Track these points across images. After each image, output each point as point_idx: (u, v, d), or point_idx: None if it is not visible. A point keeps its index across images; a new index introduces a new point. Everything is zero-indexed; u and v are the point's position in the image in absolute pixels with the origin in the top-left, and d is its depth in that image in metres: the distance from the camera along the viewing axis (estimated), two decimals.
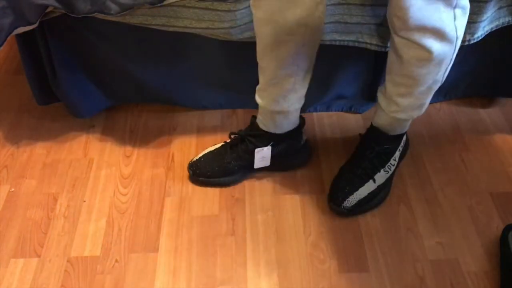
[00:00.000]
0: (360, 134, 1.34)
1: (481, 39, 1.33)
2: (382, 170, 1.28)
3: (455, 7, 1.01)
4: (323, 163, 1.39)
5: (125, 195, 1.33)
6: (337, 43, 1.33)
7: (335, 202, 1.25)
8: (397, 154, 1.31)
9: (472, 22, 1.27)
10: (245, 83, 1.47)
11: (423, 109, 1.22)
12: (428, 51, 1.04)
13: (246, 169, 1.34)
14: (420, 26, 1.01)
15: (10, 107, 1.58)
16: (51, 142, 1.47)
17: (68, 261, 1.19)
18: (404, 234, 1.23)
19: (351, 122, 1.51)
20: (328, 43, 1.31)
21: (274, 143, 1.31)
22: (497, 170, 1.38)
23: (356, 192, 1.25)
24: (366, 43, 1.33)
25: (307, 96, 1.54)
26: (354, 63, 1.44)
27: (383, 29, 1.30)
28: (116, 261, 1.19)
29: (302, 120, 1.35)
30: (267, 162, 1.33)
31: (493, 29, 1.33)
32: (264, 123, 1.30)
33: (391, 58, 1.15)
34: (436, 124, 1.51)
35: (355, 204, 1.25)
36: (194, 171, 1.34)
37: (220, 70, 1.43)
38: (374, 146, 1.28)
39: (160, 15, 1.24)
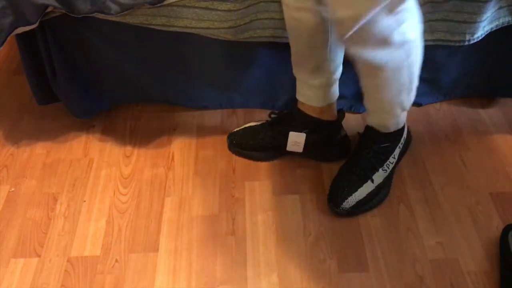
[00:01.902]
0: (358, 133, 1.34)
1: (481, 39, 1.33)
2: (380, 170, 1.27)
3: (399, 12, 0.97)
4: (323, 163, 1.39)
5: (125, 195, 1.33)
6: None
7: (334, 203, 1.25)
8: (397, 151, 1.30)
9: (472, 22, 1.27)
10: (245, 83, 1.47)
11: (407, 105, 1.19)
12: (375, 63, 1.04)
13: (278, 150, 1.37)
14: (361, 40, 1.00)
15: (10, 107, 1.58)
16: (51, 142, 1.47)
17: (68, 261, 1.19)
18: (404, 234, 1.23)
19: (351, 122, 1.51)
20: None
21: (310, 130, 1.32)
22: (497, 170, 1.38)
23: (355, 193, 1.25)
24: None
25: None
26: (354, 63, 1.44)
27: None
28: (116, 261, 1.19)
29: (341, 113, 1.36)
30: (300, 148, 1.35)
31: (493, 29, 1.33)
32: (302, 94, 1.31)
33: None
34: (436, 124, 1.51)
35: (354, 205, 1.25)
36: (231, 141, 1.41)
37: (220, 70, 1.43)
38: (372, 145, 1.27)
39: (160, 15, 1.24)
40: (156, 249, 1.21)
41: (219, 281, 1.15)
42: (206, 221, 1.27)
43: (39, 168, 1.39)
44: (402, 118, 1.26)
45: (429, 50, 1.42)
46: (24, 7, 1.19)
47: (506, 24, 1.32)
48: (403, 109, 1.21)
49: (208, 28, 1.25)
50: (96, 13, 1.22)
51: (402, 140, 1.30)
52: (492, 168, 1.38)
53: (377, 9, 0.93)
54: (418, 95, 1.54)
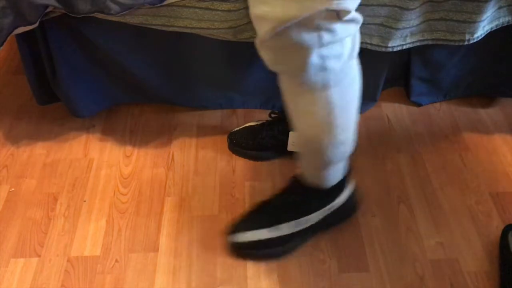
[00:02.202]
0: (293, 176, 1.20)
1: (481, 39, 1.33)
2: (292, 221, 1.16)
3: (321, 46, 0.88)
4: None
5: (125, 195, 1.33)
6: None
7: (232, 229, 1.19)
8: (317, 216, 1.17)
9: (472, 22, 1.27)
10: (245, 83, 1.47)
11: (334, 158, 1.05)
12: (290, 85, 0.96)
13: (278, 150, 1.37)
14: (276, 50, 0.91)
15: (10, 107, 1.58)
16: (51, 142, 1.47)
17: (68, 261, 1.19)
18: (404, 234, 1.23)
19: None
20: None
21: None
22: (497, 170, 1.38)
23: (248, 232, 1.17)
24: (366, 43, 1.33)
25: None
26: None
27: (383, 29, 1.30)
28: (116, 261, 1.19)
29: None
30: (297, 148, 1.34)
31: (493, 29, 1.33)
32: None
33: None
34: (436, 124, 1.51)
35: (240, 243, 1.17)
36: (231, 140, 1.41)
37: (220, 70, 1.43)
38: (291, 194, 1.17)
39: (160, 15, 1.24)
40: (156, 249, 1.21)
41: (219, 281, 1.15)
42: (206, 221, 1.27)
43: (39, 168, 1.39)
44: (331, 176, 1.13)
45: (429, 50, 1.43)
46: (24, 7, 1.19)
47: (506, 24, 1.32)
48: (330, 163, 1.07)
49: (208, 28, 1.25)
50: (96, 13, 1.22)
51: (331, 207, 1.17)
52: (492, 168, 1.38)
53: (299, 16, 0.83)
54: (418, 95, 1.55)
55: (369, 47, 1.33)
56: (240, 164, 1.40)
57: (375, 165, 1.39)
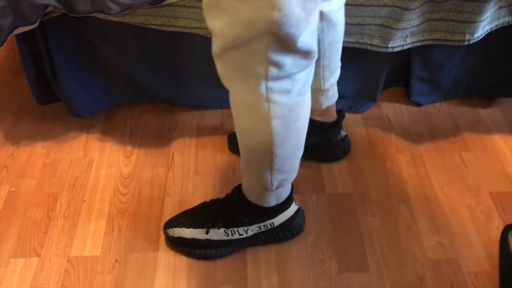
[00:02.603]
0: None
1: (481, 39, 1.33)
2: (222, 229, 1.16)
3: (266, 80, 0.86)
4: (323, 162, 1.39)
5: (125, 195, 1.33)
6: None
7: (167, 223, 1.20)
8: (252, 230, 1.16)
9: (472, 22, 1.27)
10: None
11: (269, 185, 1.05)
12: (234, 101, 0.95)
13: None
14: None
15: (10, 107, 1.58)
16: (51, 142, 1.47)
17: (68, 261, 1.19)
18: (404, 234, 1.23)
19: (351, 122, 1.51)
20: None
21: (310, 132, 1.28)
22: (497, 170, 1.38)
23: (185, 229, 1.17)
24: (367, 43, 1.33)
25: None
26: (354, 63, 1.44)
27: (383, 30, 1.30)
28: (116, 261, 1.19)
29: (341, 114, 1.35)
30: None
31: (493, 29, 1.33)
32: None
33: None
34: (436, 124, 1.51)
35: (176, 237, 1.18)
36: (231, 141, 1.41)
37: None
38: (229, 204, 1.16)
39: (160, 15, 1.24)
40: (156, 249, 1.21)
41: (219, 281, 1.15)
42: None
43: (39, 168, 1.39)
44: (269, 198, 1.12)
45: (429, 50, 1.43)
46: (24, 7, 1.19)
47: (506, 24, 1.32)
48: (269, 188, 1.07)
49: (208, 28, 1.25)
50: (96, 13, 1.22)
51: (268, 225, 1.16)
52: (492, 168, 1.38)
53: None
54: (418, 95, 1.55)
55: (369, 47, 1.33)
56: (240, 164, 1.39)
57: (375, 165, 1.39)
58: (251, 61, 0.84)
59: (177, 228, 1.18)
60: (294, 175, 1.08)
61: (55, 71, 1.37)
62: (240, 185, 1.16)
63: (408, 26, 1.29)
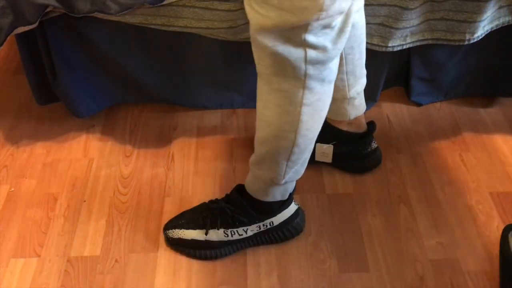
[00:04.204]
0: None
1: (481, 39, 1.33)
2: (221, 230, 1.16)
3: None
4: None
5: (125, 195, 1.33)
6: None
7: (167, 224, 1.20)
8: (252, 230, 1.16)
9: (472, 22, 1.27)
10: (245, 83, 1.47)
11: (279, 179, 1.07)
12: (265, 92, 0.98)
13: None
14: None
15: (10, 107, 1.58)
16: (51, 142, 1.47)
17: (68, 261, 1.19)
18: (404, 234, 1.23)
19: None
20: None
21: (337, 142, 1.29)
22: (497, 170, 1.38)
23: (185, 230, 1.17)
24: (366, 43, 1.33)
25: None
26: None
27: (383, 29, 1.30)
28: (116, 261, 1.19)
29: (372, 126, 1.32)
30: (328, 159, 1.33)
31: (493, 29, 1.33)
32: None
33: None
34: (436, 124, 1.51)
35: (175, 238, 1.18)
36: None
37: (220, 70, 1.43)
38: (229, 202, 1.16)
39: (160, 14, 1.24)
40: (156, 249, 1.21)
41: (219, 281, 1.15)
42: None
43: (39, 168, 1.39)
44: (275, 192, 1.13)
45: (429, 50, 1.43)
46: (24, 7, 1.19)
47: (506, 24, 1.32)
48: (274, 181, 1.08)
49: (208, 28, 1.25)
50: (96, 13, 1.22)
51: (268, 224, 1.17)
52: (492, 168, 1.38)
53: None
54: (418, 95, 1.55)
55: (369, 47, 1.33)
56: (240, 164, 1.40)
57: None
58: (293, 45, 0.87)
59: (177, 229, 1.18)
60: (303, 170, 1.10)
61: (55, 71, 1.37)
62: (239, 186, 1.16)
63: (408, 26, 1.29)
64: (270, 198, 1.14)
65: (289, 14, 0.83)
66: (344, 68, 1.19)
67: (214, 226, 1.16)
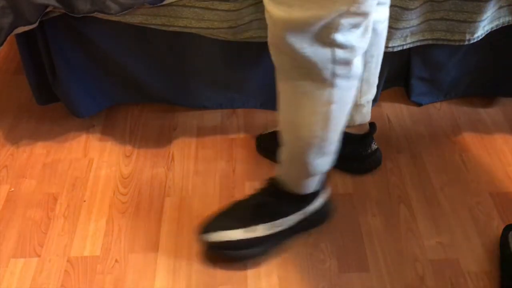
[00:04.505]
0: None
1: (481, 39, 1.33)
2: (264, 224, 1.15)
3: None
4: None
5: (125, 195, 1.33)
6: None
7: (204, 228, 1.16)
8: (293, 218, 1.16)
9: (472, 22, 1.27)
10: (245, 83, 1.47)
11: (317, 169, 1.07)
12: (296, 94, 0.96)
13: None
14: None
15: (10, 107, 1.58)
16: (51, 142, 1.47)
17: (68, 261, 1.19)
18: (404, 234, 1.23)
19: None
20: None
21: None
22: (497, 170, 1.38)
23: (226, 232, 1.14)
24: None
25: None
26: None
27: None
28: (116, 261, 1.19)
29: (372, 127, 1.32)
30: None
31: (493, 29, 1.33)
32: None
33: None
34: (436, 124, 1.51)
35: (220, 242, 1.14)
36: (259, 144, 1.40)
37: (220, 70, 1.43)
38: (266, 196, 1.16)
39: (160, 14, 1.24)
40: (156, 249, 1.21)
41: (219, 281, 1.15)
42: None
43: (39, 168, 1.39)
44: (310, 183, 1.13)
45: (429, 50, 1.43)
46: (24, 7, 1.19)
47: (506, 24, 1.32)
48: (313, 173, 1.08)
49: (208, 28, 1.25)
50: (96, 13, 1.22)
51: (307, 211, 1.17)
52: (492, 168, 1.38)
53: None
54: (418, 95, 1.55)
55: None
56: (240, 164, 1.40)
57: None
58: (320, 45, 0.86)
59: (219, 231, 1.14)
60: (335, 155, 1.09)
61: (55, 71, 1.37)
62: (273, 178, 1.15)
63: (408, 26, 1.29)
64: (306, 190, 1.14)
65: (317, 6, 0.81)
66: (361, 76, 1.19)
67: (258, 221, 1.14)
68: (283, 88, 0.97)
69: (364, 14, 0.84)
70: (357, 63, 0.93)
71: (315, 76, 0.90)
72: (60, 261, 1.19)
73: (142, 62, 1.40)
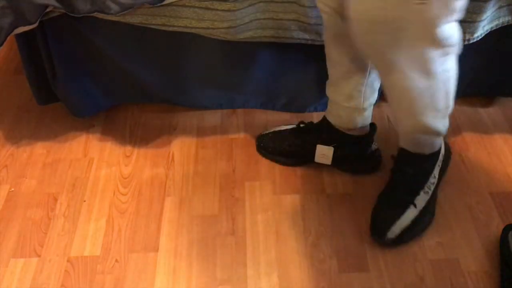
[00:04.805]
0: (392, 156, 1.27)
1: (481, 39, 1.33)
2: (422, 192, 1.21)
3: (445, 46, 0.97)
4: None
5: (125, 195, 1.33)
6: None
7: (378, 233, 1.19)
8: (436, 170, 1.23)
9: (471, 22, 1.27)
10: (245, 83, 1.47)
11: (443, 130, 1.14)
12: (410, 92, 1.03)
13: (305, 158, 1.35)
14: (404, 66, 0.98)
15: (10, 107, 1.58)
16: (51, 142, 1.47)
17: (68, 261, 1.19)
18: None
19: None
20: None
21: (338, 144, 1.30)
22: (497, 170, 1.38)
23: (398, 221, 1.18)
24: None
25: (307, 96, 1.53)
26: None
27: None
28: (116, 261, 1.19)
29: (372, 128, 1.32)
30: (328, 161, 1.33)
31: (493, 29, 1.33)
32: (334, 116, 1.29)
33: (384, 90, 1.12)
34: None
35: (399, 234, 1.18)
36: (259, 143, 1.41)
37: (220, 70, 1.43)
38: (408, 168, 1.20)
39: (160, 14, 1.24)
40: (156, 249, 1.21)
41: (219, 281, 1.15)
42: (206, 221, 1.27)
43: (39, 168, 1.39)
44: (438, 141, 1.21)
45: None
46: (24, 7, 1.19)
47: (506, 24, 1.32)
48: (439, 135, 1.16)
49: (208, 28, 1.25)
50: (96, 13, 1.22)
51: (441, 157, 1.24)
52: (492, 168, 1.38)
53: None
54: None
55: None
56: (240, 164, 1.40)
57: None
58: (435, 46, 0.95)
59: (392, 227, 1.18)
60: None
61: (55, 71, 1.37)
62: (401, 152, 1.21)
63: None
64: (437, 147, 1.21)
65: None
66: (366, 80, 1.20)
67: (415, 194, 1.20)
68: (396, 81, 1.03)
69: None
70: (459, 40, 1.00)
71: (428, 67, 0.99)
72: (60, 261, 1.19)
73: (142, 62, 1.40)
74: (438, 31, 0.92)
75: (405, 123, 1.14)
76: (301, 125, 1.37)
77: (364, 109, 1.26)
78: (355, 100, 1.23)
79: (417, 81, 1.00)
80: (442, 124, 1.12)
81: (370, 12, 0.92)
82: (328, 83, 1.27)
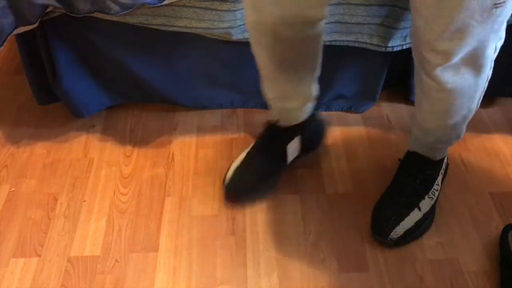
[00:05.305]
0: (399, 159, 1.29)
1: None
2: (426, 197, 1.23)
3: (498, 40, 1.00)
4: (323, 162, 1.39)
5: (125, 195, 1.33)
6: (337, 43, 1.33)
7: (380, 233, 1.19)
8: (440, 178, 1.26)
9: None
10: (245, 83, 1.47)
11: (461, 135, 1.18)
12: (459, 90, 1.02)
13: (279, 167, 1.32)
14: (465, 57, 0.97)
15: (10, 107, 1.58)
16: (51, 142, 1.47)
17: (68, 260, 1.19)
18: None
19: (351, 122, 1.51)
20: (328, 43, 1.31)
21: (300, 131, 1.30)
22: (497, 170, 1.38)
23: (402, 223, 1.19)
24: (366, 43, 1.33)
25: None
26: (354, 63, 1.44)
27: (383, 29, 1.30)
28: (116, 261, 1.19)
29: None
30: (297, 152, 1.33)
31: None
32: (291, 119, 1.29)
33: (418, 95, 1.12)
34: None
35: (402, 235, 1.18)
36: (231, 190, 1.30)
37: (220, 70, 1.43)
38: (417, 173, 1.22)
39: (160, 14, 1.24)
40: (156, 249, 1.21)
41: (219, 281, 1.15)
42: (206, 221, 1.27)
43: (39, 168, 1.39)
44: (447, 148, 1.24)
45: None
46: (24, 7, 1.19)
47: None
48: (458, 138, 1.18)
49: (207, 28, 1.25)
50: (96, 13, 1.22)
51: (444, 166, 1.28)
52: (492, 168, 1.38)
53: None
54: None
55: (369, 47, 1.33)
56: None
57: (375, 165, 1.39)
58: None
59: (396, 227, 1.18)
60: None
61: (55, 71, 1.37)
62: (409, 155, 1.24)
63: (408, 26, 1.29)
64: (446, 154, 1.25)
65: None
66: (316, 74, 1.21)
67: (420, 198, 1.21)
68: (440, 85, 1.03)
69: None
70: None
71: (482, 69, 1.05)
72: (60, 261, 1.19)
73: (142, 62, 1.40)
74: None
75: (429, 125, 1.15)
76: (257, 140, 1.33)
77: (312, 102, 1.27)
78: (307, 97, 1.25)
79: (467, 77, 1.01)
80: (464, 127, 1.15)
81: None
82: (277, 96, 1.26)
